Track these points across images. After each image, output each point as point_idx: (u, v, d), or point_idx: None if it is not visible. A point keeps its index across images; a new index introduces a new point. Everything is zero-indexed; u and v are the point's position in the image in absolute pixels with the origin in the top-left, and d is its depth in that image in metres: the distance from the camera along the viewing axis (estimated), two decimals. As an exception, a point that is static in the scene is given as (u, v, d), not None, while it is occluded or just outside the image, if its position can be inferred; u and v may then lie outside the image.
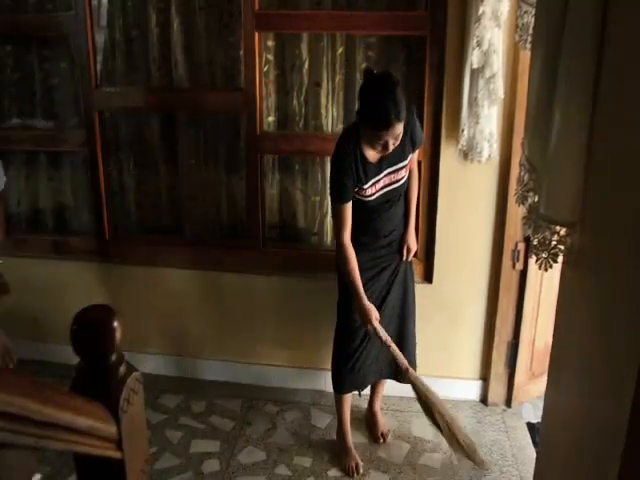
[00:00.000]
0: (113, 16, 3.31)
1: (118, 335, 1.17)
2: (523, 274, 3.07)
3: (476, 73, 2.74)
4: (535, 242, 1.60)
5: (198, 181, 3.44)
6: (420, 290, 3.00)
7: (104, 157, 3.38)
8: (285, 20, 3.08)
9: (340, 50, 3.12)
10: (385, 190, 2.62)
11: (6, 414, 0.87)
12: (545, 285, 3.09)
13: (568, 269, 1.71)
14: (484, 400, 3.31)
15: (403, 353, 2.72)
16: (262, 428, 3.13)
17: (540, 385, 2.95)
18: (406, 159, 2.61)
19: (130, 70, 3.36)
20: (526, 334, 3.16)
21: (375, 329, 2.61)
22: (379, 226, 2.72)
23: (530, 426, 3.18)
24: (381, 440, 3.06)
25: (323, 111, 3.19)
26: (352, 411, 3.01)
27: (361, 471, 2.84)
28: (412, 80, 3.10)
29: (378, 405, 3.12)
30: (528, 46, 2.16)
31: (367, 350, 2.80)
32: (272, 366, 3.39)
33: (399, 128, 2.40)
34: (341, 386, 2.88)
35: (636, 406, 1.19)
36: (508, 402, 3.28)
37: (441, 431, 2.62)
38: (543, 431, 2.17)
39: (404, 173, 2.64)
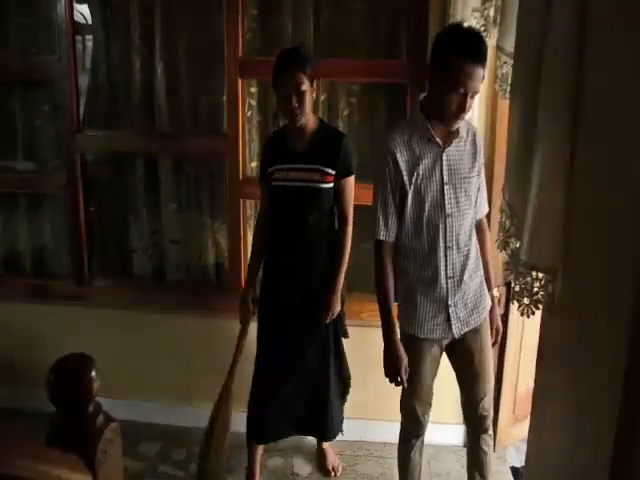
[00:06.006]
0: (97, 60, 3.35)
1: (96, 385, 1.16)
2: (504, 318, 3.07)
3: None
4: (517, 288, 1.60)
5: (180, 225, 3.43)
6: (402, 334, 2.98)
7: (85, 200, 3.37)
8: (268, 67, 3.10)
9: (323, 97, 3.16)
10: (296, 184, 2.65)
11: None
12: (527, 328, 3.10)
13: (549, 315, 1.71)
14: (468, 445, 3.27)
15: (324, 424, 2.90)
16: (243, 476, 3.06)
17: (524, 428, 2.91)
18: (322, 166, 2.63)
19: (113, 114, 3.39)
20: (509, 377, 3.16)
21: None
22: (293, 252, 2.75)
23: (514, 470, 3.15)
24: (332, 474, 3.08)
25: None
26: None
27: None
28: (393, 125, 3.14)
29: (325, 444, 3.12)
30: (507, 95, 2.22)
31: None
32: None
33: (300, 77, 2.51)
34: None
35: (618, 451, 1.19)
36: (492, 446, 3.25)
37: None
38: (526, 476, 2.14)
39: (318, 177, 2.63)
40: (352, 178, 2.71)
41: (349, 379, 2.98)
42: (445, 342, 2.45)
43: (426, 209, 2.28)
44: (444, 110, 2.17)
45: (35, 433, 1.04)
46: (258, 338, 2.84)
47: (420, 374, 2.43)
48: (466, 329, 2.42)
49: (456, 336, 2.41)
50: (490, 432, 2.61)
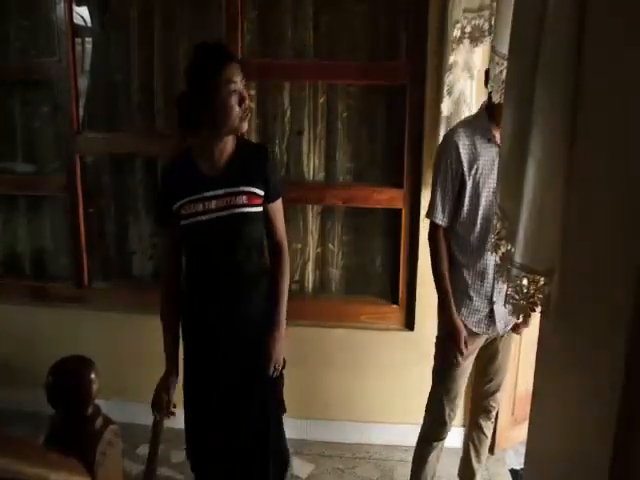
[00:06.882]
0: (96, 62, 3.35)
1: (95, 387, 1.15)
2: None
3: (450, 121, 2.80)
4: (509, 291, 1.60)
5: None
6: (402, 337, 2.98)
7: (85, 202, 3.38)
8: (268, 69, 3.12)
9: (322, 99, 3.17)
10: (217, 215, 2.13)
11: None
12: (525, 330, 3.09)
13: (547, 317, 1.71)
14: (467, 447, 3.27)
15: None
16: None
17: (523, 431, 2.90)
18: (248, 186, 2.16)
19: (112, 115, 3.39)
20: (508, 378, 3.14)
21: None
22: (222, 299, 2.23)
23: (513, 473, 3.14)
24: None
25: (304, 159, 3.23)
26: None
27: None
28: (392, 127, 3.15)
29: None
30: (498, 96, 2.23)
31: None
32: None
33: (239, 69, 2.07)
34: None
35: (618, 451, 1.19)
36: (491, 449, 3.24)
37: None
38: (526, 477, 2.14)
39: (244, 201, 2.15)
40: (280, 200, 2.28)
41: (288, 457, 2.51)
42: (484, 339, 2.51)
43: (482, 203, 2.36)
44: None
45: (34, 435, 1.04)
46: (185, 405, 2.52)
47: (456, 372, 2.49)
48: (506, 328, 2.49)
49: (500, 332, 2.48)
50: (493, 420, 2.74)
